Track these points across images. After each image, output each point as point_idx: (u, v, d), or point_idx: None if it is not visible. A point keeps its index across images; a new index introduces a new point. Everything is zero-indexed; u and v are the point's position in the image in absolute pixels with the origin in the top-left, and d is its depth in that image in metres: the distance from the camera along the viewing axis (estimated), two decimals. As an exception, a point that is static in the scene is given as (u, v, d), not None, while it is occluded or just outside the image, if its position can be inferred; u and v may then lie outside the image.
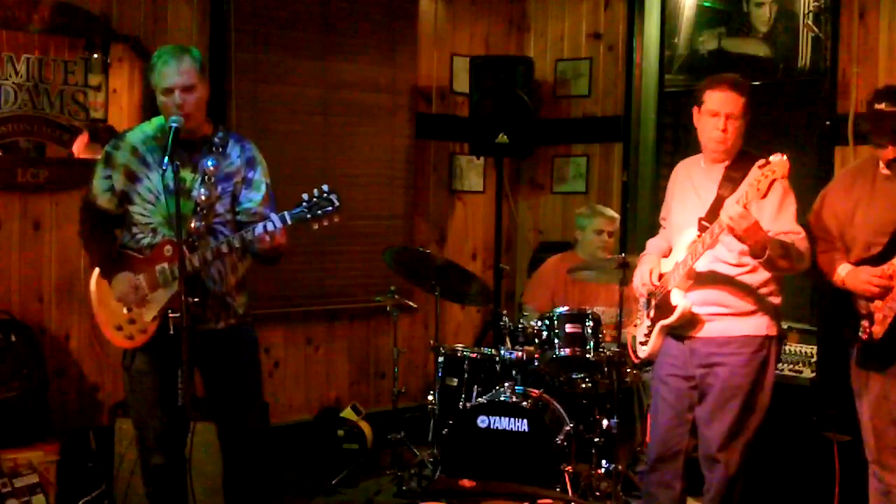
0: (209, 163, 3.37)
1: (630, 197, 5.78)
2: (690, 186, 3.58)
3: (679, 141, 5.58)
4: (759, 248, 3.19)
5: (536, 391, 4.47)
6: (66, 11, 4.52)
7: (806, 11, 4.98)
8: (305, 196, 3.20)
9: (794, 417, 4.08)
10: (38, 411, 4.29)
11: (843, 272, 3.35)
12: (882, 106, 3.29)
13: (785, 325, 4.80)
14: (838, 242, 3.43)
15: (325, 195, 3.19)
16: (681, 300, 3.42)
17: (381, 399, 5.67)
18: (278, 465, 3.75)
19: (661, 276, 3.56)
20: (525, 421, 4.22)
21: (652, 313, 3.61)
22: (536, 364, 4.52)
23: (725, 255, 3.38)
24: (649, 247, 3.81)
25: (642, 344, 3.69)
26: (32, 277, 4.56)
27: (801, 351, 4.45)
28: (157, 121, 3.48)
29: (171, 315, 3.27)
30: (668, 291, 3.47)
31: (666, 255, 3.62)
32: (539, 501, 3.67)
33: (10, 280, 4.49)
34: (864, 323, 3.27)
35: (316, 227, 3.21)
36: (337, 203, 3.19)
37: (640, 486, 3.99)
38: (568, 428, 4.29)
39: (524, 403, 4.28)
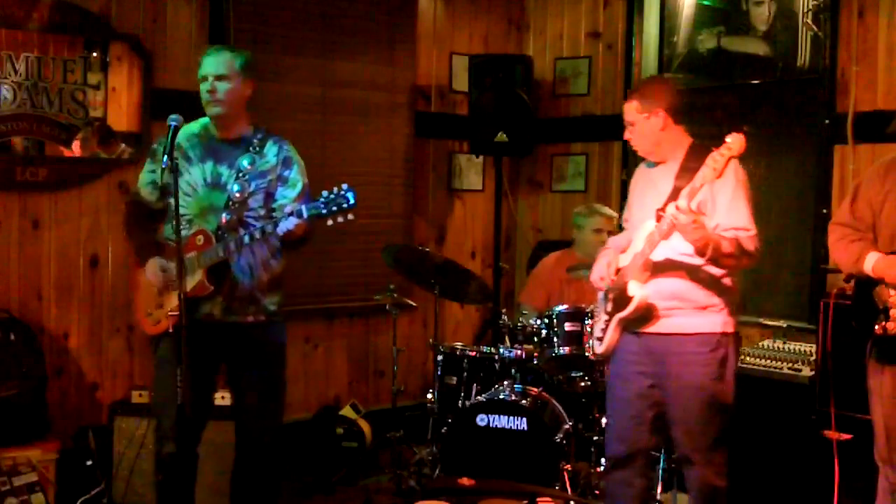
0: (245, 161, 3.55)
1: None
2: (650, 183, 3.60)
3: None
4: (703, 246, 3.18)
5: (535, 389, 4.47)
6: (65, 10, 4.53)
7: (805, 10, 4.98)
8: (324, 193, 3.27)
9: (794, 416, 4.08)
10: (37, 410, 4.29)
11: (872, 261, 3.28)
12: None
13: (784, 324, 4.83)
14: (870, 233, 3.38)
15: (343, 193, 3.25)
16: (637, 290, 3.39)
17: (380, 397, 5.68)
18: (281, 467, 3.79)
19: (618, 270, 3.54)
20: (524, 419, 4.22)
21: (609, 307, 3.58)
22: (535, 362, 4.52)
23: (684, 247, 3.33)
24: (610, 243, 3.82)
25: (598, 339, 3.65)
26: (31, 276, 4.56)
27: (800, 349, 4.45)
28: (203, 120, 3.66)
29: (171, 314, 3.31)
30: (626, 283, 3.45)
31: (624, 251, 3.61)
32: (538, 500, 3.66)
33: (8, 278, 4.49)
34: (881, 317, 3.25)
35: (330, 223, 3.28)
36: (352, 201, 3.25)
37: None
38: (567, 426, 4.29)
39: (523, 402, 4.28)
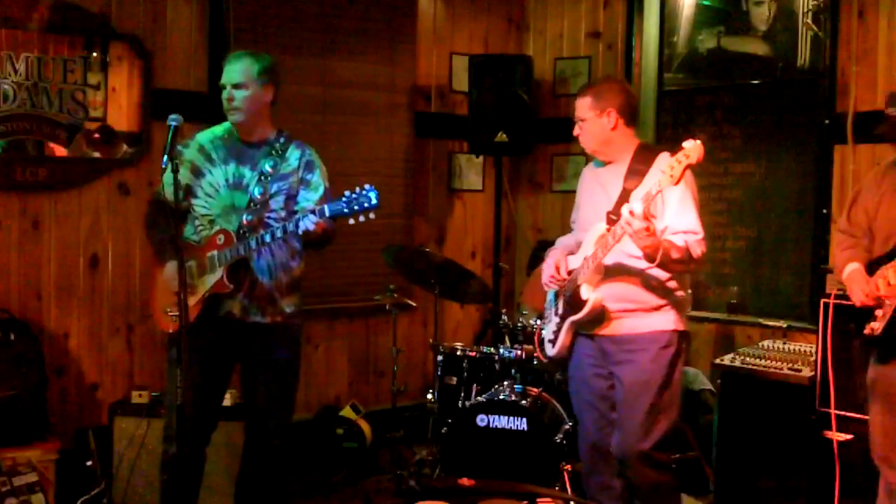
0: (267, 165, 3.59)
1: (629, 196, 5.77)
2: (598, 184, 3.61)
3: (678, 140, 5.57)
4: (652, 251, 3.19)
5: (535, 390, 4.47)
6: (65, 10, 4.52)
7: (805, 10, 4.98)
8: (347, 192, 3.29)
9: (794, 416, 4.08)
10: (37, 410, 4.29)
11: (847, 271, 3.34)
12: (888, 110, 3.34)
13: (784, 324, 4.83)
14: (865, 239, 3.41)
15: (365, 192, 3.28)
16: (591, 294, 3.41)
17: (380, 398, 5.67)
18: (287, 469, 3.82)
19: (569, 272, 3.56)
20: (524, 419, 4.22)
21: (560, 310, 3.60)
22: (535, 363, 4.52)
23: (634, 250, 3.33)
24: (558, 243, 3.82)
25: (550, 342, 3.67)
26: (31, 276, 4.56)
27: (800, 349, 4.45)
28: (227, 123, 3.68)
29: (171, 315, 3.32)
30: (578, 286, 3.46)
31: (573, 252, 3.62)
32: (538, 500, 3.66)
33: (9, 278, 4.49)
34: (871, 318, 3.27)
35: (352, 221, 3.30)
36: (374, 201, 3.27)
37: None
38: (567, 426, 4.29)
39: (523, 402, 4.28)
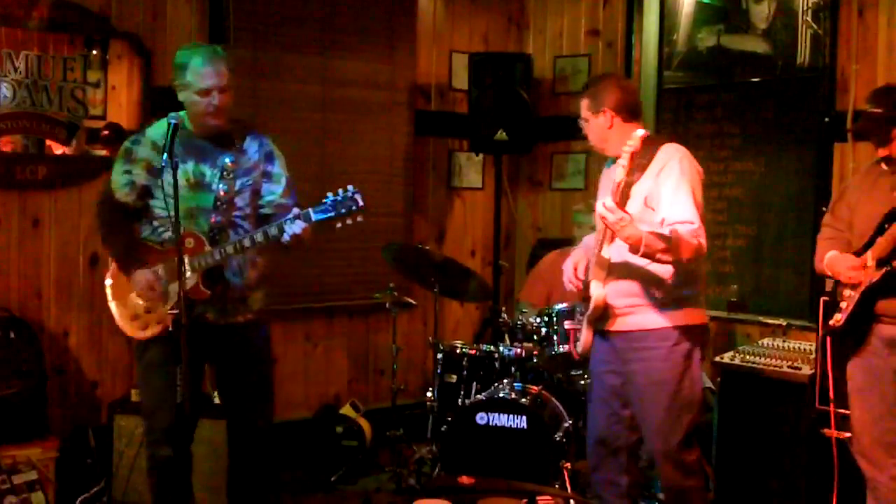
0: (227, 159, 3.45)
1: (629, 194, 5.77)
2: (609, 181, 3.61)
3: (678, 139, 5.56)
4: (634, 242, 3.14)
5: (535, 388, 4.47)
6: (65, 8, 4.52)
7: (805, 8, 4.98)
8: (330, 195, 3.22)
9: (793, 414, 4.08)
10: (37, 408, 4.30)
11: (828, 258, 3.42)
12: (866, 107, 3.43)
13: (784, 322, 4.83)
14: (847, 233, 3.47)
15: (350, 195, 3.21)
16: (594, 290, 3.42)
17: (379, 396, 5.67)
18: (277, 463, 3.80)
19: (586, 271, 3.58)
20: (524, 418, 4.22)
21: (583, 308, 3.62)
22: (535, 361, 4.52)
23: None
24: (584, 241, 3.84)
25: (578, 340, 3.71)
26: (31, 274, 4.56)
27: (799, 347, 4.45)
28: (178, 115, 3.49)
29: (171, 312, 3.28)
30: (588, 283, 3.49)
31: None
32: (538, 498, 3.66)
33: (9, 277, 4.49)
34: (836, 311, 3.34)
35: (339, 226, 3.23)
36: (361, 203, 3.21)
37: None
38: (567, 425, 4.29)
39: (523, 400, 4.28)
